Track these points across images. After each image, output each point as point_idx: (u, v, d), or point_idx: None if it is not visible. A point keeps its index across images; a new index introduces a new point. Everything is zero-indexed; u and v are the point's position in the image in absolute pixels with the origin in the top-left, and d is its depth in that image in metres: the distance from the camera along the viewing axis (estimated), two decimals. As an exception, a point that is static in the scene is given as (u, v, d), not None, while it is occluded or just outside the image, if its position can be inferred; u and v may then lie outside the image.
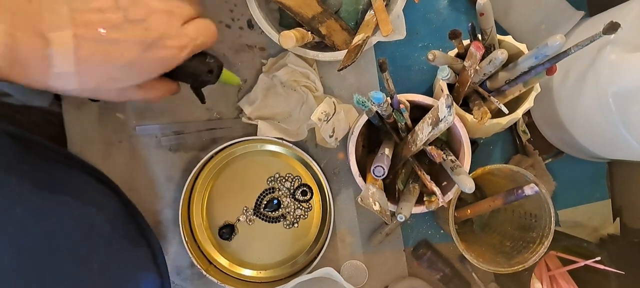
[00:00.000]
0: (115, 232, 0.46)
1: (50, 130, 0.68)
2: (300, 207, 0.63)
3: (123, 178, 0.61)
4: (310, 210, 0.63)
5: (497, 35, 0.49)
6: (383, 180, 0.50)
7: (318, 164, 0.59)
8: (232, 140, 0.58)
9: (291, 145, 0.59)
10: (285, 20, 0.58)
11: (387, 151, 0.50)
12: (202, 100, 0.48)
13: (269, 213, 0.63)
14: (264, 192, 0.62)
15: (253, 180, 0.62)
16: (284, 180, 0.62)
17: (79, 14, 0.31)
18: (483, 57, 0.47)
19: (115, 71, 0.33)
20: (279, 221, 0.63)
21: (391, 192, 0.57)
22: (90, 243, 0.41)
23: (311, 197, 0.63)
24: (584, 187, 0.64)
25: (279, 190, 0.62)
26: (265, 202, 0.62)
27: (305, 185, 0.62)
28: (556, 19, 0.56)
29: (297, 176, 0.62)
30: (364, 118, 0.51)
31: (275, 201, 0.62)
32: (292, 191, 0.62)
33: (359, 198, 0.47)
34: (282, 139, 0.59)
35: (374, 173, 0.46)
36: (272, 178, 0.62)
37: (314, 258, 0.61)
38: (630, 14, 0.45)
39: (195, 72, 0.43)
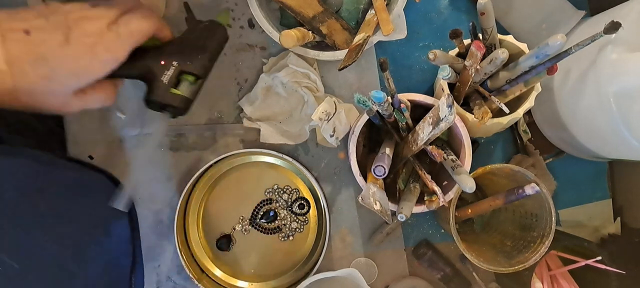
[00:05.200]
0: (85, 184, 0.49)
1: (45, 129, 0.67)
2: (297, 220, 0.62)
3: (124, 178, 0.61)
4: (306, 224, 0.62)
5: (498, 34, 0.49)
6: (384, 179, 0.50)
7: (317, 180, 0.58)
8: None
9: (291, 159, 0.59)
10: (286, 19, 0.58)
11: (388, 150, 0.50)
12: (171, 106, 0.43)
13: (265, 224, 0.62)
14: (261, 202, 0.62)
15: (251, 191, 0.62)
16: (282, 192, 0.62)
17: (5, 23, 0.36)
18: (484, 57, 0.47)
19: (45, 69, 0.36)
20: (275, 233, 0.62)
21: (392, 191, 0.57)
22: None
23: (308, 211, 0.62)
24: (585, 186, 0.64)
25: (277, 201, 0.62)
26: (261, 213, 0.62)
27: (303, 198, 0.62)
28: (557, 19, 0.56)
29: (295, 189, 0.62)
30: (365, 117, 0.51)
31: (272, 212, 0.62)
32: (289, 204, 0.62)
33: (360, 198, 0.47)
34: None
35: (374, 173, 0.46)
36: (270, 189, 0.62)
37: (308, 271, 0.60)
38: (631, 14, 0.45)
39: (144, 70, 0.42)
